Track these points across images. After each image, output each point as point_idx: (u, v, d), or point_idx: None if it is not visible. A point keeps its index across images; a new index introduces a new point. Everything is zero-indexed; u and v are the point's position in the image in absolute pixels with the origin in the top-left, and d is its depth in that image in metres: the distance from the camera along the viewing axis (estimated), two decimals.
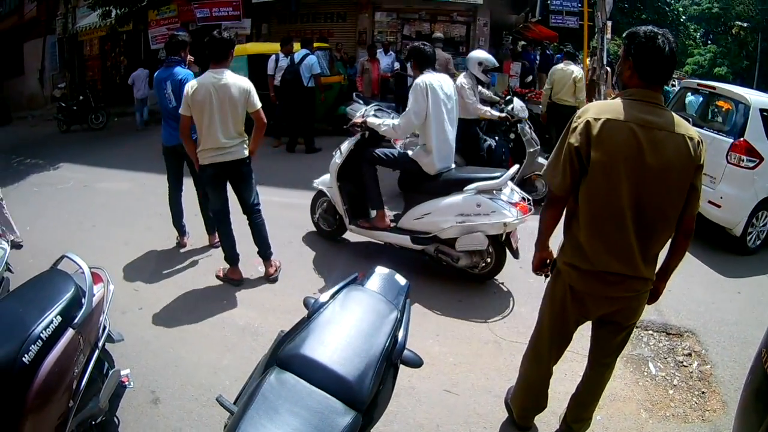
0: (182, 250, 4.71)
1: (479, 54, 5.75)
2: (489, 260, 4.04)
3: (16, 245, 4.45)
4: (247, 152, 3.89)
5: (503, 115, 5.69)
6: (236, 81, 3.71)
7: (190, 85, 3.67)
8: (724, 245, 5.08)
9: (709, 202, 4.90)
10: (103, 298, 2.36)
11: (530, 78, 11.27)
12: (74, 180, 7.11)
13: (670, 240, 2.10)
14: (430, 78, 3.93)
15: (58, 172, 7.75)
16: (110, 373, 2.37)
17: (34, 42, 17.35)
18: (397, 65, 10.30)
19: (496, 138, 6.01)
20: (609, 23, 10.86)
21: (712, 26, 35.33)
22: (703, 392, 3.04)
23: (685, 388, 3.08)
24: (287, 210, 5.50)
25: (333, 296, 1.94)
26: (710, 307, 3.98)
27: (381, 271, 2.22)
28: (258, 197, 4.11)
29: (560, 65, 7.50)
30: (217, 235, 4.33)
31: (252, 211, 4.06)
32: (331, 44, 11.28)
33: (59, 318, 2.00)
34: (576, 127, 1.96)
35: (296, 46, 8.47)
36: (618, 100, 1.97)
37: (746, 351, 3.27)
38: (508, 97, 6.15)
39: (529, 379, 2.48)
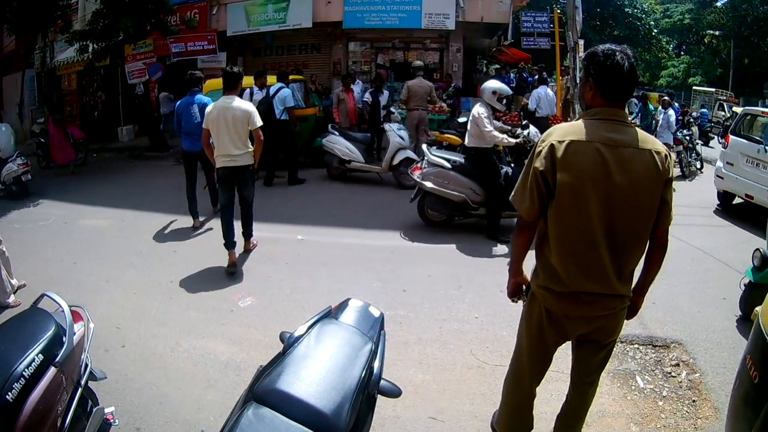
0: (163, 288, 4.65)
1: (493, 84, 5.84)
2: None
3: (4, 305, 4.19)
4: (250, 161, 5.01)
5: (519, 140, 5.77)
6: (241, 105, 4.87)
7: (209, 107, 4.99)
8: None
9: None
10: (83, 336, 2.35)
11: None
12: (55, 217, 7.01)
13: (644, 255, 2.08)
14: None
15: (39, 209, 7.64)
16: (94, 410, 2.34)
17: (12, 76, 17.12)
18: (368, 96, 9.70)
19: (512, 165, 6.19)
20: (581, 42, 11.15)
21: (684, 37, 35.46)
22: (693, 401, 3.05)
23: (675, 398, 3.09)
24: (267, 244, 5.54)
25: (307, 330, 1.96)
26: (696, 316, 4.02)
27: (354, 303, 2.24)
28: (253, 196, 5.22)
29: None
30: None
31: (247, 204, 5.22)
32: (306, 76, 11.24)
33: (41, 356, 1.99)
34: (540, 151, 1.95)
35: (271, 79, 8.47)
36: (581, 121, 1.96)
37: (735, 356, 3.26)
38: (525, 122, 6.32)
39: (512, 403, 2.44)
